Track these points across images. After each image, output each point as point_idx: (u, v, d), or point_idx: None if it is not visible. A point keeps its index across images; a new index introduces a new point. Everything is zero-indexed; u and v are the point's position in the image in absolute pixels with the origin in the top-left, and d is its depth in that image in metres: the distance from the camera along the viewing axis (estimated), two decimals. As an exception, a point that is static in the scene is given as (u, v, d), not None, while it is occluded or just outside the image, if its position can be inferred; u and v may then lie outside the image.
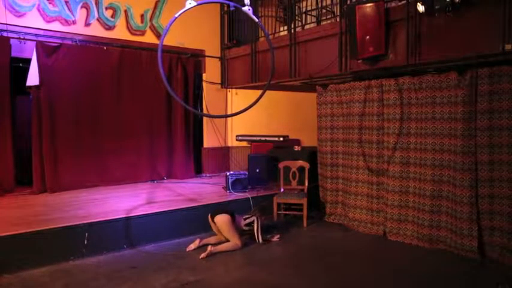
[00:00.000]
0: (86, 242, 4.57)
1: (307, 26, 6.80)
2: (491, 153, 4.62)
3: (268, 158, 7.17)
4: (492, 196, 4.63)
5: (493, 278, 4.14)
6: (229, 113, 8.45)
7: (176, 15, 3.70)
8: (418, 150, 5.26)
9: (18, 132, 6.65)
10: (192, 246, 4.87)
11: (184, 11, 3.74)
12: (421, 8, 4.69)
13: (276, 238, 5.27)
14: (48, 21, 6.37)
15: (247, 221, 5.13)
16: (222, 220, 4.86)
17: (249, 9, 4.06)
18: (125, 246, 4.87)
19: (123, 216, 4.93)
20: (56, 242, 4.39)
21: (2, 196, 5.96)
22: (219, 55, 8.38)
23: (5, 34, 5.95)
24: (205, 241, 4.95)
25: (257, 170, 6.89)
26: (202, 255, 4.61)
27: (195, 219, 5.49)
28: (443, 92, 4.97)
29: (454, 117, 4.87)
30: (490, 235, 4.66)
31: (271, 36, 7.19)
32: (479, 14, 4.41)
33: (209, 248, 4.69)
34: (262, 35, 7.45)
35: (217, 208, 5.11)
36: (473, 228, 4.67)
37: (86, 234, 4.58)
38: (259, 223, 5.13)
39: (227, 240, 4.91)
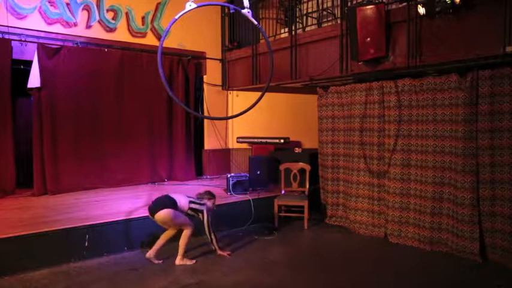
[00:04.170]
0: (86, 244, 4.57)
1: (308, 28, 6.81)
2: (492, 155, 4.61)
3: (269, 160, 7.16)
4: (493, 198, 4.62)
5: (495, 280, 4.13)
6: (230, 115, 8.45)
7: (176, 17, 3.70)
8: (419, 153, 5.25)
9: (19, 134, 6.65)
10: (151, 254, 4.55)
11: (185, 13, 3.74)
12: (421, 10, 4.70)
13: (226, 253, 4.77)
14: (50, 24, 6.39)
15: (193, 206, 4.57)
16: (163, 216, 4.35)
17: (249, 12, 4.05)
18: (125, 248, 4.87)
19: (124, 218, 4.93)
20: (56, 244, 4.39)
21: (3, 198, 5.97)
22: (219, 57, 8.39)
23: (6, 36, 5.96)
24: (159, 245, 4.57)
25: (258, 172, 6.88)
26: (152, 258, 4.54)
27: (196, 221, 5.48)
28: (444, 94, 4.97)
29: (455, 119, 4.86)
30: (491, 237, 4.65)
31: (272, 39, 7.20)
32: (480, 16, 4.41)
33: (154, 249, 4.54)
34: (263, 37, 7.46)
35: (154, 202, 4.50)
36: (475, 231, 4.66)
37: (87, 236, 4.57)
38: (209, 216, 4.60)
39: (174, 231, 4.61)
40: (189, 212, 4.58)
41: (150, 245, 4.63)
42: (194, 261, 4.57)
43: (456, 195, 4.82)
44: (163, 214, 4.35)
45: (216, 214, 5.69)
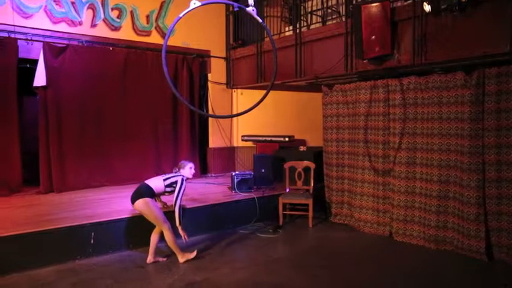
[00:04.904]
0: (92, 242, 4.60)
1: (312, 26, 6.78)
2: (498, 154, 4.58)
3: (273, 158, 7.16)
4: (500, 197, 4.59)
5: (501, 279, 4.10)
6: (234, 113, 8.45)
7: (180, 15, 3.70)
8: (424, 151, 5.22)
9: (26, 132, 6.70)
10: (150, 259, 4.52)
11: (189, 11, 3.74)
12: (427, 7, 4.67)
13: (184, 235, 4.42)
14: (55, 23, 6.42)
15: (168, 181, 4.49)
16: (140, 206, 4.36)
17: (253, 10, 4.04)
18: (130, 245, 4.90)
19: (129, 216, 4.95)
20: (62, 241, 4.42)
21: (10, 196, 6.02)
22: (224, 55, 8.39)
23: (12, 35, 6.00)
24: (153, 247, 4.53)
25: (262, 170, 6.89)
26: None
27: (201, 219, 5.51)
28: (450, 92, 4.94)
29: (460, 117, 4.83)
30: (497, 236, 4.62)
31: (276, 37, 7.19)
32: (486, 14, 4.37)
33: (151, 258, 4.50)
34: (267, 34, 7.45)
35: (134, 192, 4.47)
36: (481, 229, 4.63)
37: (92, 233, 4.61)
38: (182, 187, 4.45)
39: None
40: (168, 189, 4.49)
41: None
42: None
43: (462, 193, 4.79)
44: (140, 204, 4.35)
45: (220, 212, 5.74)
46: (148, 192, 4.43)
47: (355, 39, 5.47)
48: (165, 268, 4.35)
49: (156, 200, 4.70)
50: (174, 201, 4.43)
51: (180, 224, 4.40)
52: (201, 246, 5.05)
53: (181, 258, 4.50)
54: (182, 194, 4.48)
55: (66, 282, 3.96)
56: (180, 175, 4.60)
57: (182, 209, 4.63)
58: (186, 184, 4.56)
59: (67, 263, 4.38)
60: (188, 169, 4.69)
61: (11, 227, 4.38)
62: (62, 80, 6.47)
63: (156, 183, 4.51)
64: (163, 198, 5.00)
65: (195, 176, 7.70)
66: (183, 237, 4.45)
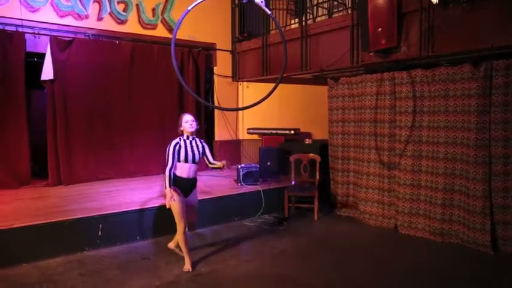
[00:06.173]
0: (100, 233, 4.67)
1: (318, 19, 6.75)
2: (505, 147, 4.55)
3: (279, 151, 7.18)
4: (506, 190, 4.57)
5: (506, 272, 4.10)
6: (240, 106, 8.46)
7: (189, 8, 3.68)
8: (430, 144, 5.21)
9: (34, 125, 6.76)
10: (171, 245, 4.45)
11: (198, 3, 3.73)
12: (434, -1, 4.63)
13: (170, 196, 3.91)
14: (62, 16, 6.45)
15: (168, 151, 3.98)
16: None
17: (262, 2, 4.03)
18: (138, 237, 4.96)
19: (137, 208, 5.01)
20: (71, 233, 4.49)
21: (19, 188, 6.11)
22: (230, 48, 8.38)
23: (20, 29, 6.04)
24: (174, 242, 4.42)
25: (268, 163, 6.91)
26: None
27: (207, 211, 5.55)
28: (457, 85, 4.90)
29: (467, 110, 4.80)
30: (503, 229, 4.61)
31: (282, 29, 7.16)
32: (494, 5, 4.33)
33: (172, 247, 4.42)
34: (274, 27, 7.42)
35: None
36: (486, 223, 4.62)
37: (100, 225, 4.67)
38: (167, 150, 3.96)
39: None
40: (173, 155, 3.97)
41: (163, 234, 4.70)
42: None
43: (468, 186, 4.78)
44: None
45: (226, 204, 5.78)
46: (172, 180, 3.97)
47: (361, 31, 5.44)
48: (172, 260, 4.40)
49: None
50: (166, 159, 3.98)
51: (165, 187, 3.92)
52: (208, 238, 5.10)
53: (186, 264, 4.12)
54: (170, 155, 3.96)
55: (75, 273, 4.02)
56: (182, 132, 4.14)
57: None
58: (178, 146, 4.04)
59: (76, 254, 4.45)
60: (184, 124, 4.17)
61: (21, 218, 4.46)
62: (69, 74, 6.51)
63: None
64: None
65: (201, 168, 7.80)
66: (170, 198, 3.90)
